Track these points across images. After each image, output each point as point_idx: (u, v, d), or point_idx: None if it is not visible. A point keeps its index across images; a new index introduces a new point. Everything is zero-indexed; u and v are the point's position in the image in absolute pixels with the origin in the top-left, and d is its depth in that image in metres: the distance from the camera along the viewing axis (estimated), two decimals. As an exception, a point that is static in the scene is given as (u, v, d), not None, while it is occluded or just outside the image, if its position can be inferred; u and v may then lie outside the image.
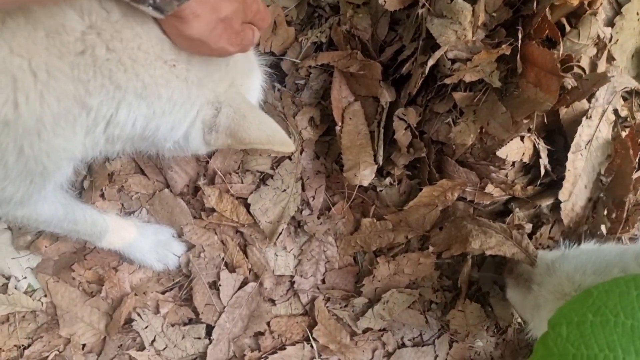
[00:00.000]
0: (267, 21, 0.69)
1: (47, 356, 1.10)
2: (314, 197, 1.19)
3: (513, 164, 1.08)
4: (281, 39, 1.23)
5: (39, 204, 0.81)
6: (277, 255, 1.18)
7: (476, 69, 0.99)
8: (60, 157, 0.66)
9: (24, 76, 0.56)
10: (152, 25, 0.60)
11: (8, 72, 0.56)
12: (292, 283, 1.18)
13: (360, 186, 1.16)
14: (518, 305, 1.07)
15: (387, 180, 1.15)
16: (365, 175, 1.11)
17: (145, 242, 1.14)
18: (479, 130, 1.01)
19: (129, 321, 1.13)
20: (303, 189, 1.19)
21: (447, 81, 1.01)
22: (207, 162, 1.20)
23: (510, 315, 1.18)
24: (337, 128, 1.15)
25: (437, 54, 0.99)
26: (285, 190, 1.18)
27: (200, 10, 0.57)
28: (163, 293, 1.16)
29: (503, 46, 0.98)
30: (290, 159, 1.20)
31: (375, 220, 1.16)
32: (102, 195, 1.18)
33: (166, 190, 1.20)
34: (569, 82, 1.00)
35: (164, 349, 1.12)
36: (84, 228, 0.99)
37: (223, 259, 1.18)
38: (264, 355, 1.13)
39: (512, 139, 1.03)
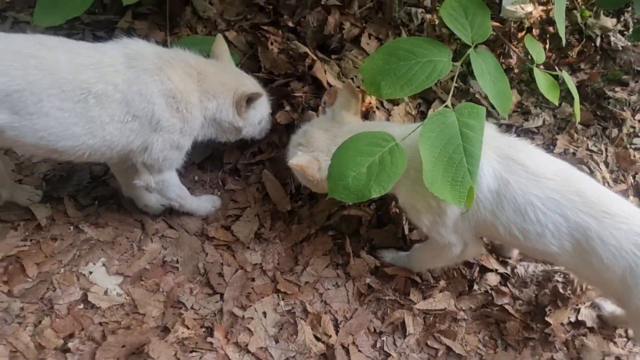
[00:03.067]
0: None
1: (133, 324, 1.97)
2: (265, 221, 2.27)
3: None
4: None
5: (172, 172, 1.93)
6: (251, 255, 2.20)
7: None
8: (195, 128, 1.83)
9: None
10: None
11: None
12: (262, 267, 2.18)
13: (289, 211, 2.27)
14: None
15: (299, 203, 2.27)
16: (286, 205, 2.24)
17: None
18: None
19: (177, 299, 2.04)
20: (259, 218, 2.27)
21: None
22: (207, 218, 2.27)
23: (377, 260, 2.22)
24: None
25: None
26: (249, 220, 2.26)
27: None
28: (190, 282, 2.11)
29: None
30: (250, 207, 2.30)
31: (298, 225, 2.24)
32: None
33: (185, 233, 2.23)
34: None
35: (199, 309, 2.03)
36: (184, 192, 2.10)
37: (221, 262, 2.17)
38: (249, 305, 2.06)
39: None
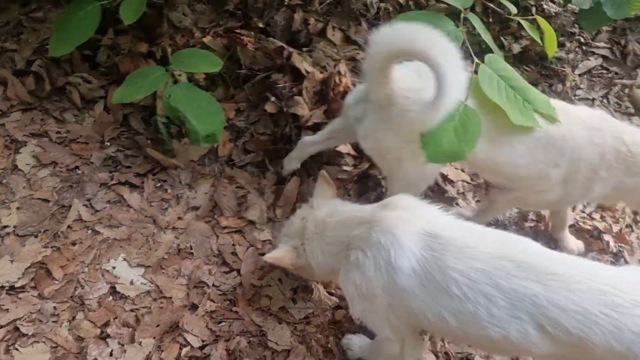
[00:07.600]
0: None
1: (163, 306, 2.13)
2: (268, 201, 2.47)
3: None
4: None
5: None
6: (259, 233, 2.40)
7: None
8: None
9: None
10: None
11: None
12: (271, 242, 2.37)
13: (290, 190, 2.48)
14: None
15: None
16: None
17: None
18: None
19: (199, 280, 2.22)
20: (263, 199, 2.47)
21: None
22: (215, 206, 2.45)
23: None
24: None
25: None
26: (254, 202, 2.46)
27: None
28: (207, 264, 2.29)
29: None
30: (251, 192, 2.50)
31: (302, 203, 2.46)
32: (166, 233, 2.36)
33: (195, 222, 2.41)
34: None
35: (220, 285, 2.21)
36: None
37: (233, 243, 2.36)
38: (265, 275, 2.26)
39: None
